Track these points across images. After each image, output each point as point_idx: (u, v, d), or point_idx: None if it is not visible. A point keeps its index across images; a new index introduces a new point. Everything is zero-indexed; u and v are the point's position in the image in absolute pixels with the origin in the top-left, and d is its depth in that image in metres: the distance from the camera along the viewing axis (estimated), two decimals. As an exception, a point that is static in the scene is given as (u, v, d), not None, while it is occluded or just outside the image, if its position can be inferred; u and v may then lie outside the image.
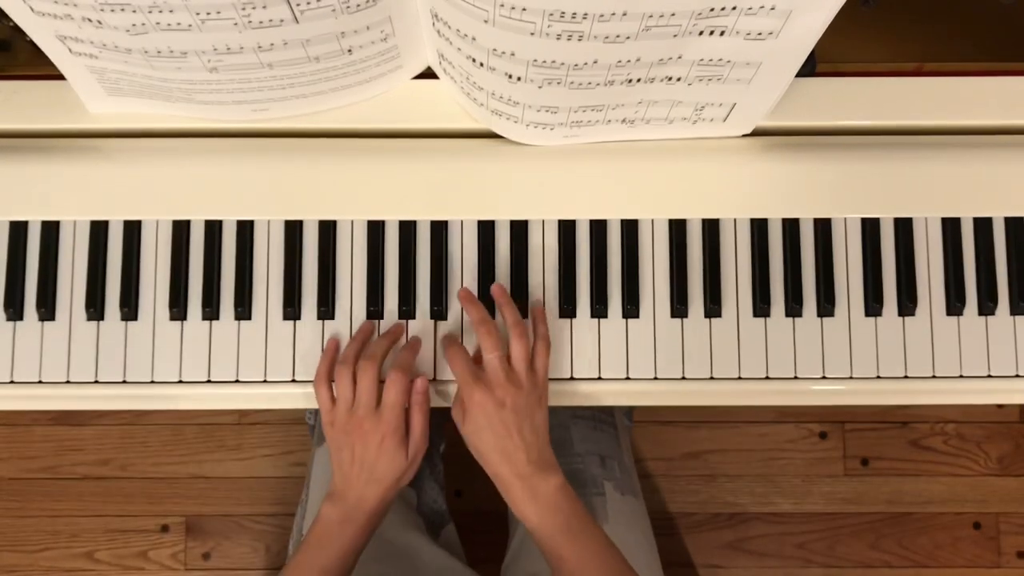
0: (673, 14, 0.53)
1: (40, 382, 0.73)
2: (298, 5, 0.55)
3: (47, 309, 0.73)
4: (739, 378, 0.73)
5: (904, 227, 0.75)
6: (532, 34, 0.54)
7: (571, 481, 0.89)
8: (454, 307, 0.74)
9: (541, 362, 0.71)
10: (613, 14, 0.52)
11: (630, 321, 0.74)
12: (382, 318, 0.73)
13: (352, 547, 0.70)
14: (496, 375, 0.68)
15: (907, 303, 0.74)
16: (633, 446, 1.42)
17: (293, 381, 0.73)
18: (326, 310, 0.73)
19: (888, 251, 0.75)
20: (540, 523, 0.68)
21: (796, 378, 0.74)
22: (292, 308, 0.73)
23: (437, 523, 0.95)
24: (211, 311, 0.73)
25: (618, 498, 0.89)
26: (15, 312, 0.73)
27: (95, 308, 0.73)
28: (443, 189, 0.71)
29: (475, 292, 0.74)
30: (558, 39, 0.54)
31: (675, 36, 0.55)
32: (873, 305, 0.74)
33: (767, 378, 0.74)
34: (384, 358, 0.71)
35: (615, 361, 0.73)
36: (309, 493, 0.89)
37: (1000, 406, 1.45)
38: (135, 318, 0.74)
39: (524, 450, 0.68)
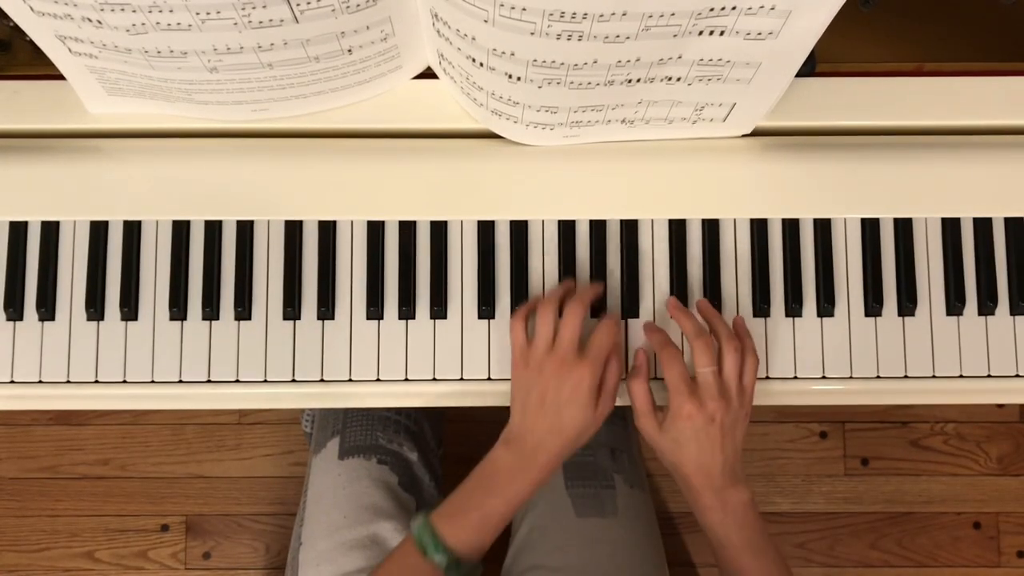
0: (673, 14, 0.53)
1: (40, 382, 0.73)
2: (298, 5, 0.55)
3: (47, 309, 0.73)
4: (739, 378, 0.73)
5: (904, 227, 0.75)
6: (532, 34, 0.54)
7: (581, 473, 0.89)
8: (454, 307, 0.74)
9: (750, 378, 0.70)
10: (613, 14, 0.52)
11: (630, 320, 0.74)
12: (382, 318, 0.73)
13: (517, 498, 0.68)
14: (709, 389, 0.68)
15: (907, 303, 0.74)
16: (633, 446, 1.41)
17: (293, 381, 0.73)
18: (326, 310, 0.73)
19: (888, 251, 0.75)
20: (725, 535, 0.68)
21: (796, 378, 0.74)
22: (292, 308, 0.73)
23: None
24: (211, 311, 0.73)
25: (627, 491, 0.89)
26: (15, 312, 0.73)
27: (95, 308, 0.73)
28: (443, 189, 0.71)
29: (475, 292, 0.74)
30: (558, 39, 0.54)
31: (675, 36, 0.55)
32: (873, 305, 0.74)
33: (767, 378, 0.74)
34: (591, 305, 0.70)
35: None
36: (307, 502, 0.88)
37: (1000, 406, 1.45)
38: (135, 318, 0.74)
39: (722, 465, 0.68)
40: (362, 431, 0.90)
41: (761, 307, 0.74)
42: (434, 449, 0.98)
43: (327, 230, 0.74)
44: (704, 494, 0.68)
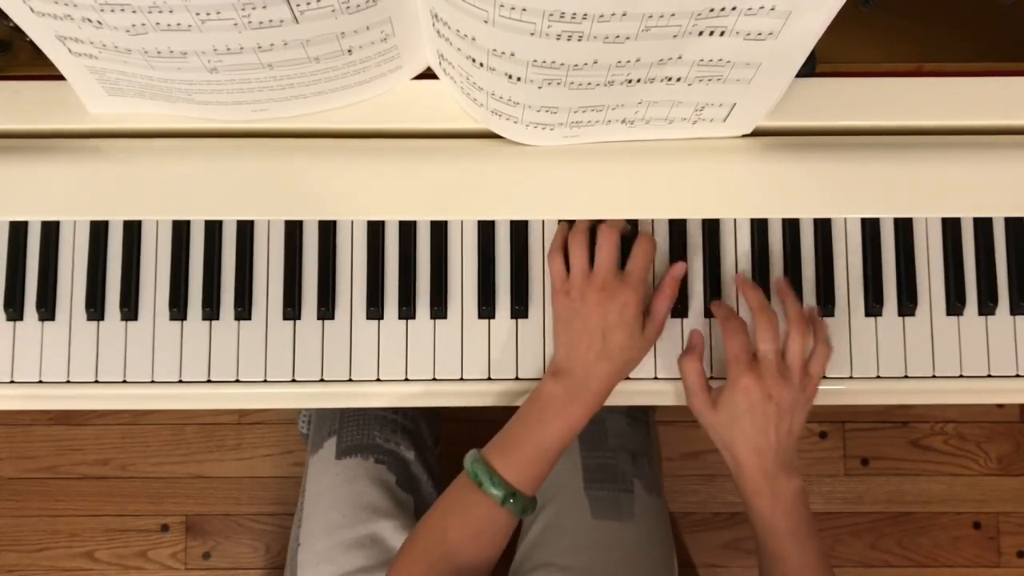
0: (673, 14, 0.53)
1: (40, 382, 0.73)
2: (298, 5, 0.55)
3: (47, 309, 0.73)
4: (739, 378, 0.73)
5: (904, 227, 0.75)
6: (532, 34, 0.54)
7: (601, 476, 0.89)
8: (454, 307, 0.74)
9: (818, 365, 0.69)
10: (613, 14, 0.52)
11: (630, 321, 0.74)
12: (382, 318, 0.73)
13: (572, 427, 0.66)
14: (769, 366, 0.67)
15: (907, 303, 0.74)
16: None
17: (293, 381, 0.73)
18: (326, 310, 0.73)
19: (888, 251, 0.75)
20: (773, 521, 0.67)
21: (796, 378, 0.74)
22: (292, 308, 0.73)
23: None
24: (211, 311, 0.73)
25: (645, 497, 0.89)
26: (15, 312, 0.73)
27: (95, 308, 0.73)
28: (443, 189, 0.71)
29: (475, 292, 0.74)
30: (558, 39, 0.54)
31: (675, 36, 0.55)
32: (873, 305, 0.74)
33: (767, 378, 0.74)
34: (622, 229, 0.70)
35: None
36: (305, 503, 0.88)
37: (1000, 406, 1.45)
38: (135, 318, 0.74)
39: (776, 449, 0.66)
40: (359, 431, 0.90)
41: (761, 307, 0.74)
42: (431, 448, 0.98)
43: (327, 230, 0.74)
44: (755, 477, 0.67)
